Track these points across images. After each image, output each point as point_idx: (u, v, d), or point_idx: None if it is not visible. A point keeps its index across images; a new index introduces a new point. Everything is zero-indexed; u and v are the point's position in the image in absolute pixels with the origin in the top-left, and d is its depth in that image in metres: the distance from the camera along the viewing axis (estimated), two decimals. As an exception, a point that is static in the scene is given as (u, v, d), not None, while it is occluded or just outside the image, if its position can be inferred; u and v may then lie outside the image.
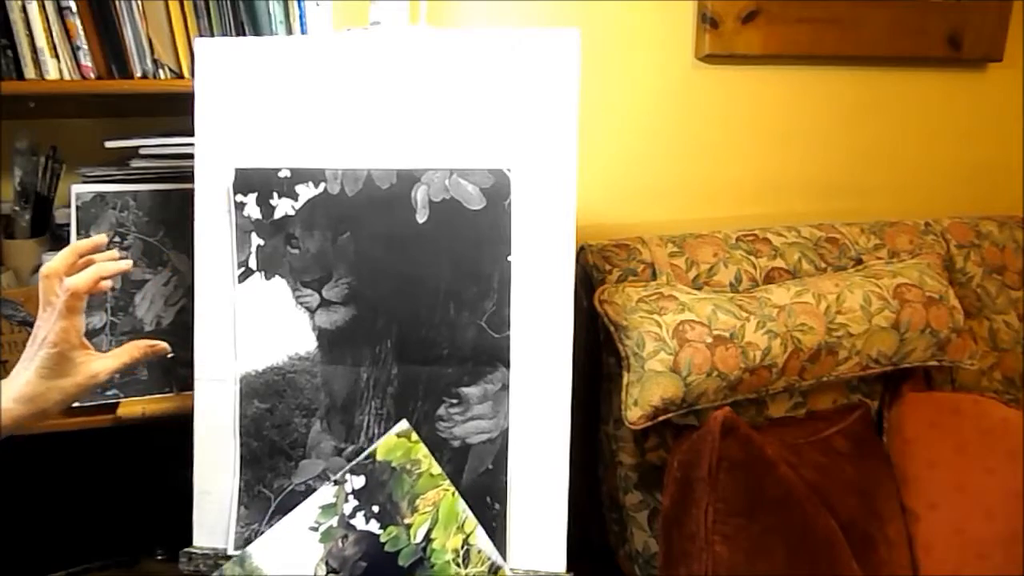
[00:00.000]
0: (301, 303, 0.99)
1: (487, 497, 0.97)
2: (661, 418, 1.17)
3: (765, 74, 1.55)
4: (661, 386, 1.15)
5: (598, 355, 1.31)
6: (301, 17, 1.15)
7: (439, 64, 0.97)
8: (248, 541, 0.97)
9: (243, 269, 0.99)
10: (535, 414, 0.97)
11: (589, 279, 1.32)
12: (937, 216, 1.52)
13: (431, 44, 0.97)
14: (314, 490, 0.97)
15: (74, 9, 1.06)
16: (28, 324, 1.13)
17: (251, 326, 0.99)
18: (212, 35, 1.12)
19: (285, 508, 0.98)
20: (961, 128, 1.70)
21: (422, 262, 0.97)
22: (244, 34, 1.13)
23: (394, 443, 0.77)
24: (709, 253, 1.34)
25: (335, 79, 0.98)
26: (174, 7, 1.10)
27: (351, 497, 0.75)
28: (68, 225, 1.14)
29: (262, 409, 0.99)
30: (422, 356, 0.97)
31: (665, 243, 1.35)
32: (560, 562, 0.97)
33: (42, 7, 1.05)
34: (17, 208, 1.17)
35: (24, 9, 1.04)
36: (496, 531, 0.97)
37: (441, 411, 0.97)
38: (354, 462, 0.75)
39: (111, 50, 1.09)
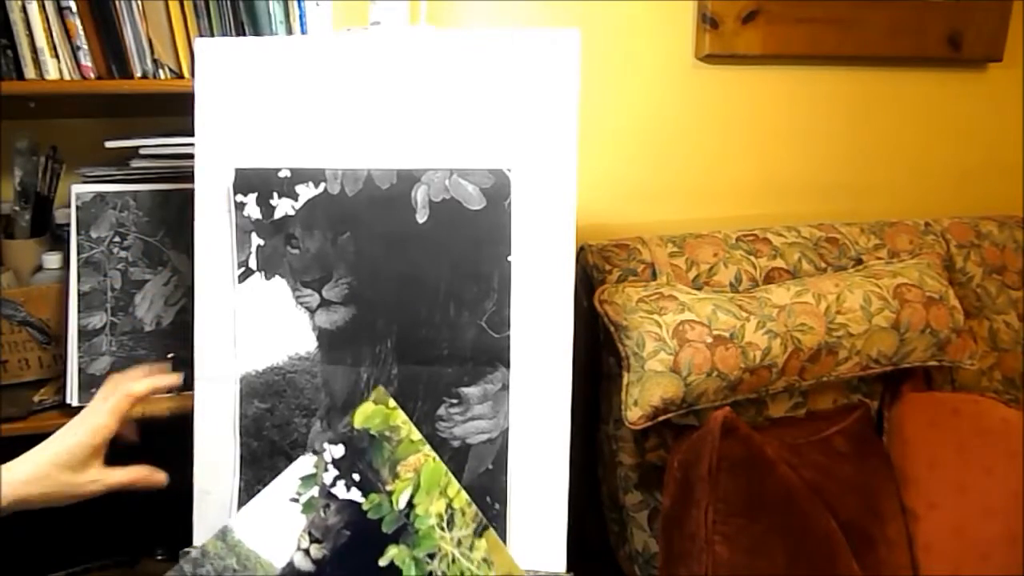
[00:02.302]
0: (301, 303, 0.99)
1: (487, 497, 0.97)
2: (661, 418, 1.17)
3: (765, 74, 1.55)
4: (661, 386, 1.15)
5: (598, 355, 1.31)
6: (301, 17, 1.15)
7: (439, 64, 0.97)
8: (248, 541, 0.98)
9: (243, 269, 0.99)
10: (535, 414, 0.97)
11: (589, 279, 1.32)
12: (937, 216, 1.52)
13: (431, 44, 0.97)
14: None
15: (74, 9, 1.06)
16: (28, 324, 1.13)
17: (251, 326, 0.99)
18: (212, 35, 1.12)
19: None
20: (961, 128, 1.70)
21: (422, 262, 0.97)
22: (244, 34, 1.13)
23: (371, 410, 0.77)
24: (709, 253, 1.34)
25: (335, 79, 0.98)
26: (174, 7, 1.10)
27: (331, 467, 0.75)
28: (68, 225, 1.14)
29: (262, 409, 0.99)
30: (422, 356, 0.97)
31: (665, 243, 1.35)
32: (560, 562, 0.97)
33: (42, 7, 1.05)
34: (17, 208, 1.17)
35: (24, 9, 1.04)
36: (496, 531, 0.97)
37: (441, 411, 0.97)
38: (335, 432, 0.74)
39: (111, 50, 1.09)
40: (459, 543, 0.73)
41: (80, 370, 1.12)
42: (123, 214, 1.15)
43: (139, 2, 1.09)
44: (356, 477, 0.75)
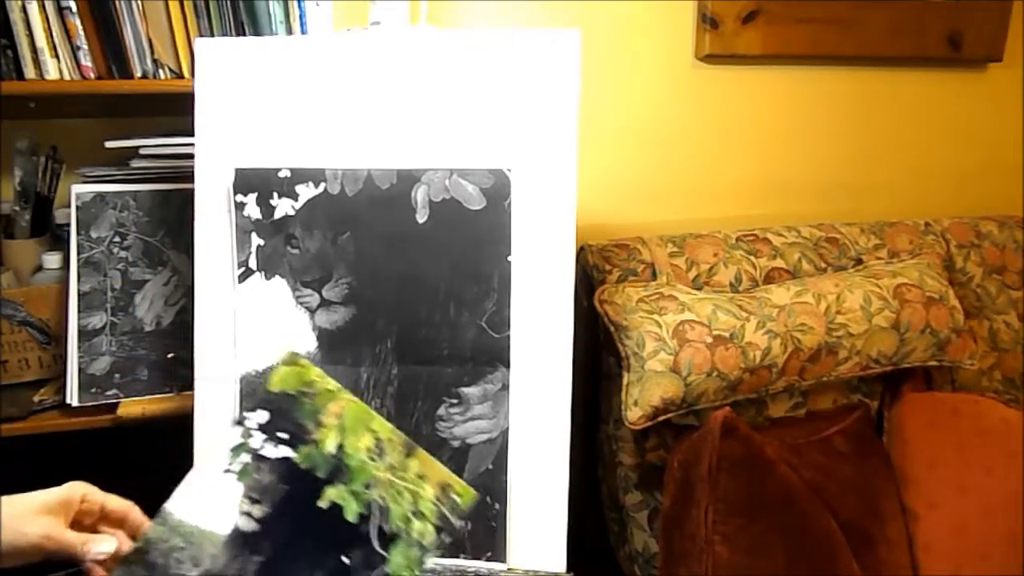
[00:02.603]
0: (301, 303, 0.99)
1: (487, 497, 0.97)
2: (661, 418, 1.17)
3: (765, 74, 1.55)
4: (661, 386, 1.15)
5: (598, 355, 1.31)
6: (301, 17, 1.15)
7: (439, 64, 0.97)
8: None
9: (243, 269, 0.99)
10: (535, 414, 0.97)
11: (589, 279, 1.32)
12: (937, 216, 1.52)
13: (431, 44, 0.97)
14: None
15: (74, 9, 1.06)
16: (28, 324, 1.13)
17: (251, 326, 0.99)
18: (212, 35, 1.12)
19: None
20: (961, 128, 1.70)
21: (422, 262, 0.97)
22: (244, 34, 1.13)
23: (285, 372, 0.79)
24: (709, 253, 1.34)
25: (335, 79, 0.98)
26: (174, 7, 1.10)
27: (256, 432, 0.77)
28: (68, 225, 1.14)
29: (262, 409, 0.99)
30: (422, 356, 0.97)
31: (665, 243, 1.35)
32: (560, 562, 0.97)
33: (42, 7, 1.05)
34: (17, 208, 1.17)
35: (24, 9, 1.04)
36: (496, 531, 0.97)
37: (441, 411, 0.97)
38: (252, 400, 0.78)
39: (111, 50, 1.09)
40: (392, 468, 0.76)
41: (80, 370, 1.12)
42: (123, 214, 1.15)
43: (139, 2, 1.09)
44: (283, 436, 0.76)
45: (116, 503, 0.74)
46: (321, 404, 0.78)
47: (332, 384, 0.79)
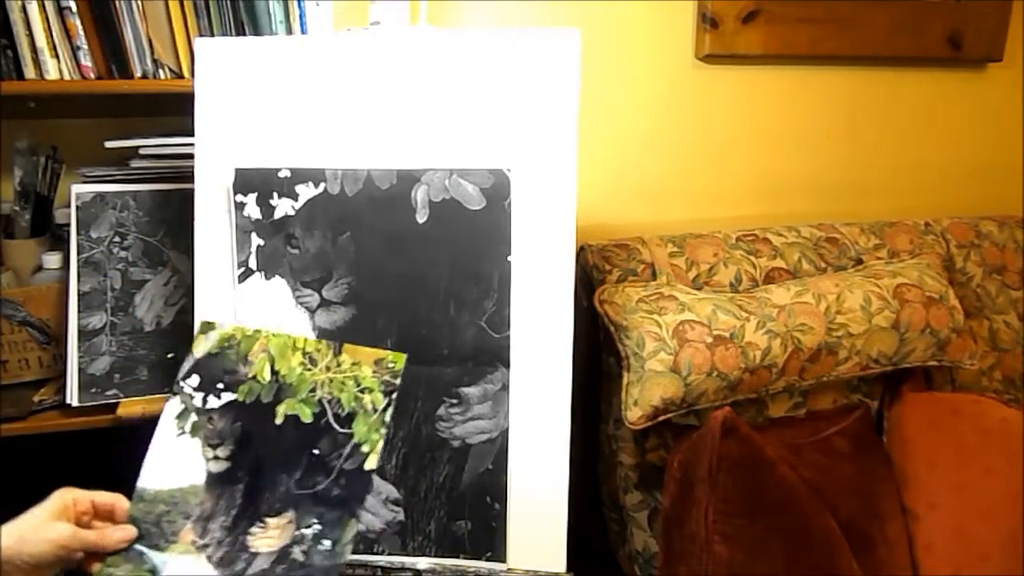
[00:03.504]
0: (301, 303, 0.99)
1: (487, 497, 0.97)
2: (661, 418, 1.17)
3: (765, 74, 1.55)
4: (661, 386, 1.15)
5: (598, 355, 1.31)
6: (301, 17, 1.15)
7: (439, 64, 0.97)
8: (248, 541, 0.98)
9: (243, 269, 0.99)
10: (535, 414, 0.97)
11: (589, 279, 1.32)
12: (937, 216, 1.52)
13: (431, 44, 0.97)
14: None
15: (74, 9, 1.06)
16: (28, 324, 1.13)
17: (251, 326, 0.99)
18: (212, 35, 1.12)
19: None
20: (961, 128, 1.70)
21: (422, 262, 0.97)
22: (244, 34, 1.13)
23: (203, 340, 0.86)
24: (709, 253, 1.34)
25: (335, 79, 0.98)
26: (174, 7, 1.10)
27: (194, 393, 0.84)
28: (68, 225, 1.14)
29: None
30: (422, 356, 0.97)
31: (665, 243, 1.35)
32: (560, 562, 0.97)
33: (42, 7, 1.05)
34: (17, 208, 1.17)
35: (24, 9, 1.04)
36: (496, 531, 0.97)
37: (441, 411, 0.97)
38: (182, 372, 0.85)
39: (111, 50, 1.09)
40: (327, 369, 0.84)
41: (80, 370, 1.12)
42: (123, 214, 1.15)
43: (139, 2, 1.09)
44: (220, 386, 0.84)
45: (104, 498, 0.77)
46: (246, 348, 0.85)
47: (249, 330, 0.86)
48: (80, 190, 1.13)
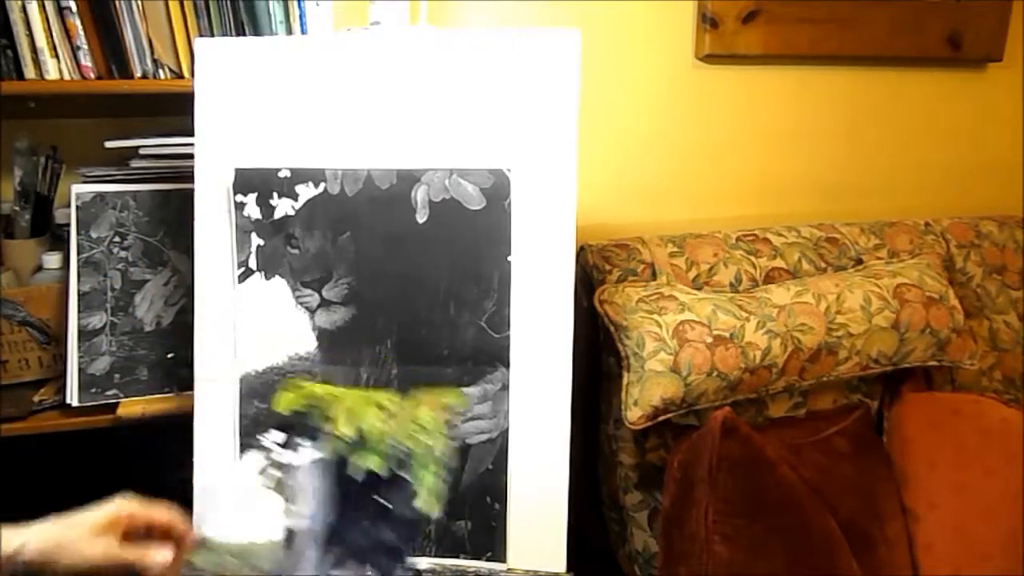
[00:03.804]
0: (301, 303, 0.99)
1: (487, 497, 0.97)
2: (661, 418, 1.17)
3: (765, 74, 1.55)
4: (661, 386, 1.15)
5: (598, 355, 1.31)
6: (301, 17, 1.15)
7: (439, 64, 0.97)
8: (248, 541, 0.98)
9: (243, 269, 0.99)
10: (535, 414, 0.97)
11: (589, 279, 1.32)
12: (937, 216, 1.52)
13: (431, 44, 0.97)
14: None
15: (74, 9, 1.06)
16: (28, 324, 1.13)
17: (251, 326, 0.99)
18: (212, 35, 1.12)
19: (285, 508, 0.98)
20: (961, 128, 1.70)
21: (422, 262, 0.97)
22: (244, 34, 1.13)
23: (288, 396, 0.88)
24: (709, 253, 1.34)
25: (335, 79, 0.98)
26: (174, 7, 1.10)
27: (277, 448, 0.85)
28: (68, 225, 1.14)
29: (262, 409, 0.99)
30: (422, 356, 0.97)
31: (665, 243, 1.35)
32: (560, 562, 0.97)
33: (42, 7, 1.05)
34: (17, 208, 1.17)
35: (24, 9, 1.04)
36: (496, 531, 0.97)
37: (441, 411, 0.97)
38: (264, 426, 0.87)
39: (111, 50, 1.09)
40: (396, 415, 0.86)
41: (80, 370, 1.12)
42: (123, 214, 1.15)
43: (139, 2, 1.09)
44: (305, 443, 0.85)
45: (160, 515, 0.76)
46: (326, 407, 0.86)
47: (335, 390, 0.87)
48: (80, 190, 1.13)
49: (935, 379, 1.41)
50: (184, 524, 0.76)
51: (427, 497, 0.79)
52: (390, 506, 0.80)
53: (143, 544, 0.74)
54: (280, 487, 0.81)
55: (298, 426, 0.84)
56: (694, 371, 1.16)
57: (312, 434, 0.83)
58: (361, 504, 0.80)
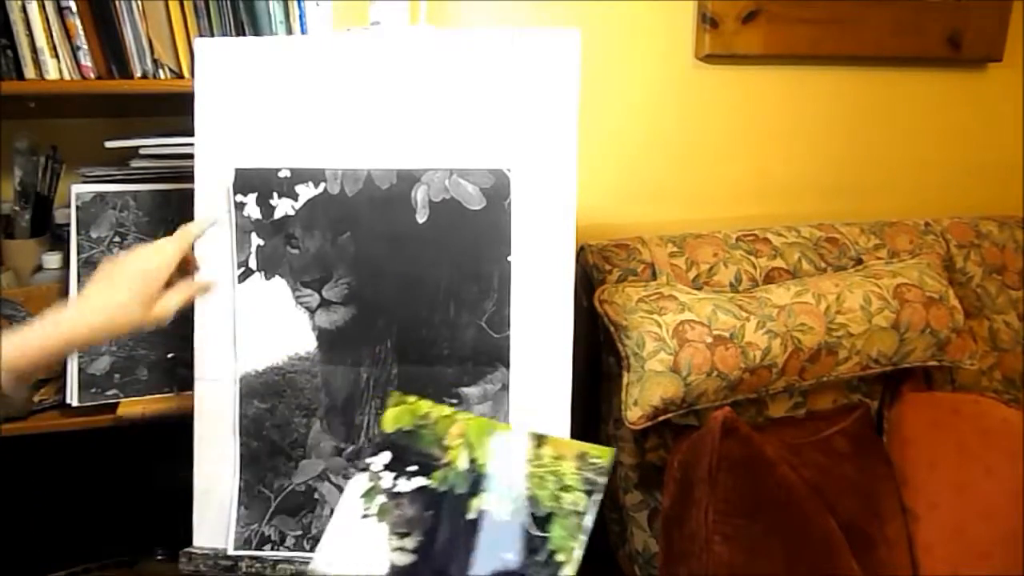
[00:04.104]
0: (301, 303, 0.99)
1: (487, 497, 0.97)
2: (661, 418, 1.17)
3: (765, 74, 1.55)
4: (661, 386, 1.15)
5: (598, 355, 1.31)
6: (301, 17, 1.15)
7: (439, 64, 0.97)
8: (248, 541, 0.98)
9: (243, 269, 0.99)
10: (535, 414, 0.97)
11: (589, 279, 1.32)
12: (937, 216, 1.52)
13: (431, 44, 0.97)
14: (314, 489, 0.97)
15: (74, 9, 1.06)
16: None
17: (251, 326, 0.99)
18: (212, 35, 1.12)
19: (285, 508, 0.98)
20: (961, 128, 1.70)
21: (422, 262, 0.97)
22: (244, 34, 1.13)
23: (395, 413, 0.82)
24: (709, 253, 1.34)
25: (335, 79, 0.98)
26: (174, 7, 1.10)
27: (384, 472, 0.78)
28: (68, 225, 1.14)
29: (262, 409, 0.99)
30: (422, 356, 0.97)
31: (665, 243, 1.35)
32: (560, 562, 0.97)
33: (42, 7, 1.05)
34: (17, 208, 1.17)
35: (24, 9, 1.04)
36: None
37: (441, 411, 0.97)
38: (371, 445, 0.79)
39: (111, 50, 1.09)
40: (528, 462, 0.77)
41: (80, 370, 1.12)
42: (123, 214, 1.15)
43: (139, 2, 1.09)
44: (412, 468, 0.78)
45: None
46: (442, 430, 0.80)
47: (446, 410, 0.82)
48: (80, 190, 1.13)
49: (935, 379, 1.41)
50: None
51: (568, 567, 0.70)
52: (511, 557, 0.71)
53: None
54: (384, 514, 0.75)
55: (406, 447, 0.78)
56: (694, 371, 1.16)
57: (421, 460, 0.77)
58: (480, 552, 0.72)
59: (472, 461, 0.78)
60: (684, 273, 1.31)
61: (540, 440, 0.78)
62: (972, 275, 1.47)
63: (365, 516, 0.77)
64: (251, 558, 0.97)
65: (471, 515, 0.75)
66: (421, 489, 0.77)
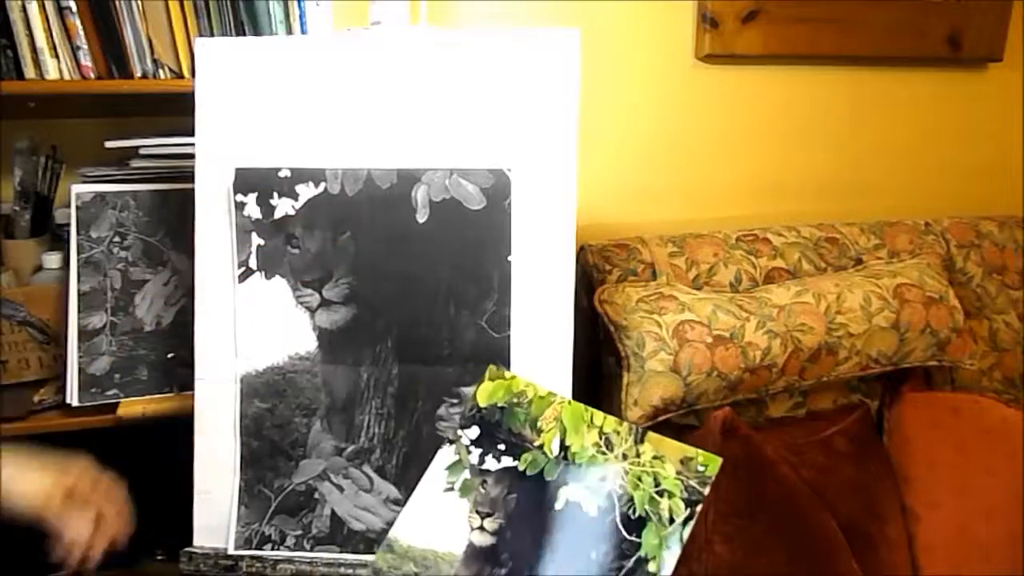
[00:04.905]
0: (301, 303, 0.99)
1: (487, 497, 0.97)
2: (661, 418, 1.17)
3: (765, 74, 1.55)
4: (661, 386, 1.15)
5: (598, 355, 1.31)
6: (301, 17, 1.15)
7: (439, 64, 0.97)
8: (248, 541, 0.98)
9: (243, 269, 0.99)
10: (535, 414, 0.97)
11: (589, 279, 1.32)
12: (937, 216, 1.52)
13: (431, 44, 0.97)
14: (315, 489, 0.97)
15: (74, 9, 1.06)
16: (28, 324, 1.13)
17: (251, 326, 0.99)
18: (212, 35, 1.12)
19: (285, 508, 0.98)
20: (961, 128, 1.70)
21: (422, 262, 0.97)
22: (244, 34, 1.13)
23: (492, 387, 0.79)
24: (709, 253, 1.34)
25: (335, 79, 0.98)
26: (174, 7, 1.10)
27: (472, 447, 0.76)
28: (68, 225, 1.14)
29: (262, 409, 0.99)
30: (422, 356, 0.97)
31: (665, 243, 1.35)
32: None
33: (42, 7, 1.05)
34: (17, 208, 1.17)
35: (24, 9, 1.04)
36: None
37: (441, 411, 0.97)
38: (462, 418, 0.76)
39: (111, 50, 1.09)
40: (624, 457, 0.73)
41: (80, 370, 1.12)
42: (123, 214, 1.15)
43: (139, 2, 1.09)
44: (502, 447, 0.75)
45: (102, 497, 0.74)
46: (536, 411, 0.77)
47: (543, 391, 0.78)
48: (80, 190, 1.13)
49: (935, 379, 1.41)
50: (122, 514, 0.74)
51: None
52: (597, 558, 0.67)
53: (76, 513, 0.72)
54: (467, 490, 0.73)
55: (498, 424, 0.75)
56: (694, 371, 1.16)
57: (511, 439, 0.74)
58: (565, 546, 0.69)
59: (565, 448, 0.75)
60: (684, 273, 1.32)
61: (641, 434, 0.75)
62: (972, 275, 1.47)
63: (448, 490, 0.75)
64: (251, 558, 0.97)
65: (558, 505, 0.73)
66: (508, 470, 0.75)
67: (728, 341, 1.18)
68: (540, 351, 0.97)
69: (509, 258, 0.96)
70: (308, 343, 0.99)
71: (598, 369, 1.32)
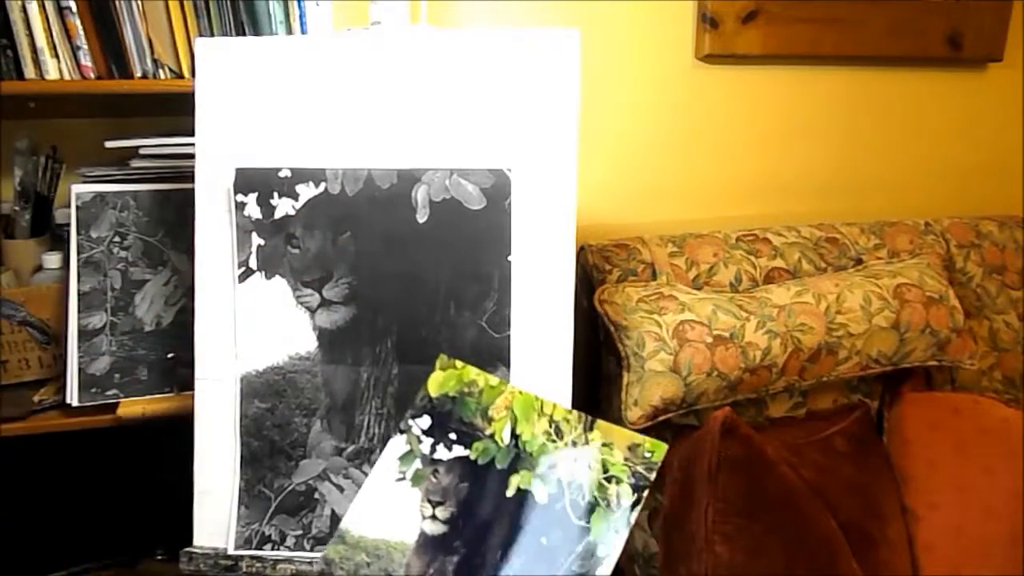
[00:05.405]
0: (301, 303, 0.99)
1: (487, 497, 0.97)
2: (661, 418, 1.17)
3: (765, 74, 1.55)
4: (661, 386, 1.15)
5: (598, 355, 1.31)
6: (301, 17, 1.15)
7: (439, 64, 0.97)
8: (248, 540, 0.98)
9: (243, 269, 0.99)
10: (535, 414, 0.97)
11: (589, 279, 1.32)
12: (937, 216, 1.52)
13: (431, 44, 0.97)
14: (315, 489, 0.97)
15: (74, 9, 1.06)
16: (28, 324, 1.13)
17: (251, 326, 0.99)
18: (212, 35, 1.12)
19: (285, 508, 0.98)
20: (961, 128, 1.70)
21: (422, 262, 0.97)
22: (244, 34, 1.13)
23: (442, 376, 0.79)
24: (709, 253, 1.34)
25: (335, 79, 0.98)
26: (174, 7, 1.10)
27: (423, 437, 0.76)
28: (68, 225, 1.14)
29: (262, 409, 0.99)
30: (422, 356, 0.97)
31: (665, 243, 1.35)
32: (560, 562, 0.97)
33: (42, 7, 1.05)
34: (17, 208, 1.17)
35: (24, 9, 1.04)
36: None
37: (441, 411, 0.97)
38: (413, 408, 0.77)
39: (111, 50, 1.09)
40: (574, 444, 0.74)
41: (80, 370, 1.12)
42: (123, 214, 1.15)
43: (139, 2, 1.09)
44: (453, 436, 0.76)
45: None
46: (488, 400, 0.78)
47: (493, 380, 0.79)
48: (80, 190, 1.13)
49: (935, 379, 1.41)
50: None
51: (608, 562, 0.67)
52: (548, 543, 0.68)
53: None
54: (418, 480, 0.73)
55: (449, 414, 0.75)
56: (694, 371, 1.16)
57: (462, 428, 0.75)
58: (516, 532, 0.70)
59: (516, 436, 0.75)
60: (684, 273, 1.32)
61: (590, 423, 0.75)
62: (972, 275, 1.47)
63: (400, 480, 0.75)
64: (251, 558, 0.97)
65: (510, 492, 0.73)
66: (459, 459, 0.75)
67: (728, 341, 1.18)
68: (540, 351, 0.97)
69: (509, 258, 0.96)
70: (308, 343, 0.99)
71: (598, 369, 1.32)
